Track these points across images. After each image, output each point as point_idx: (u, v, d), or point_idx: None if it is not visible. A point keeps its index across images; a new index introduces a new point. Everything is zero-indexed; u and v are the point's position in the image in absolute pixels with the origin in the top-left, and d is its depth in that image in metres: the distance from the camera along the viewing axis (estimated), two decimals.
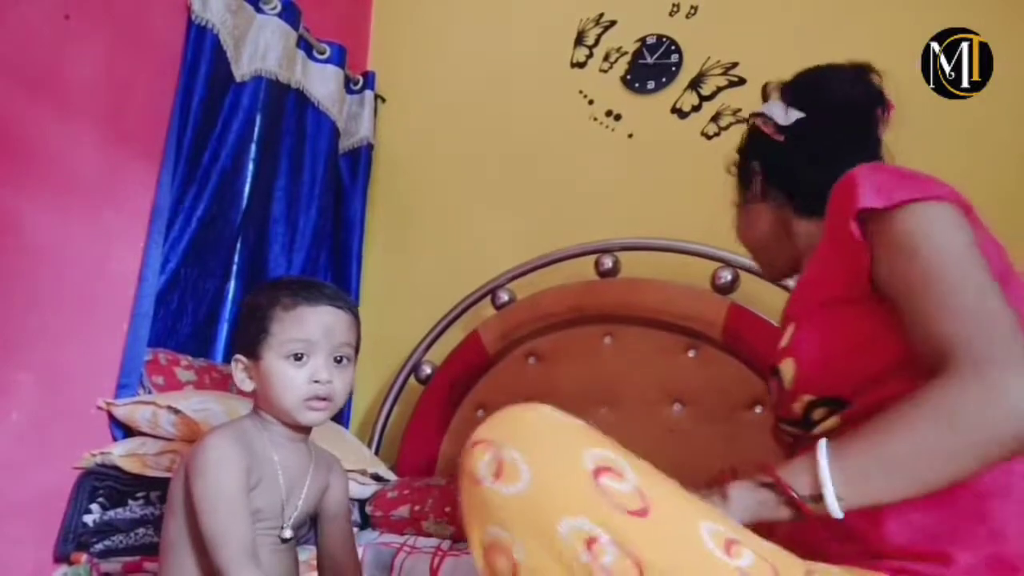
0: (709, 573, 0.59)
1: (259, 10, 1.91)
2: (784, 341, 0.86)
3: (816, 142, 0.97)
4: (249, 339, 1.05)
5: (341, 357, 1.06)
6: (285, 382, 1.03)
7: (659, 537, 0.60)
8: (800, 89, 1.00)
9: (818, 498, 0.68)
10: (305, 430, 1.11)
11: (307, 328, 1.03)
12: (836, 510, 0.67)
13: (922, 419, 0.67)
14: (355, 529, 1.62)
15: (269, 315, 1.04)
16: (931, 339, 0.70)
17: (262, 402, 1.08)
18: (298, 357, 1.03)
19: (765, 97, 1.05)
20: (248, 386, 1.06)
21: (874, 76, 0.99)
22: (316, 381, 1.03)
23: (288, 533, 1.07)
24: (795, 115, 0.98)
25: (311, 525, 1.18)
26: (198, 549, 1.00)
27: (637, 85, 2.14)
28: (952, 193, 0.77)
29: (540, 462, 0.62)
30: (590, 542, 0.59)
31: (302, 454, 1.11)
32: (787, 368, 0.82)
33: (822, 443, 0.70)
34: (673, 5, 2.13)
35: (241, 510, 0.97)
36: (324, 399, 1.04)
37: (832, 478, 0.67)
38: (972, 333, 0.67)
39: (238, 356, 1.07)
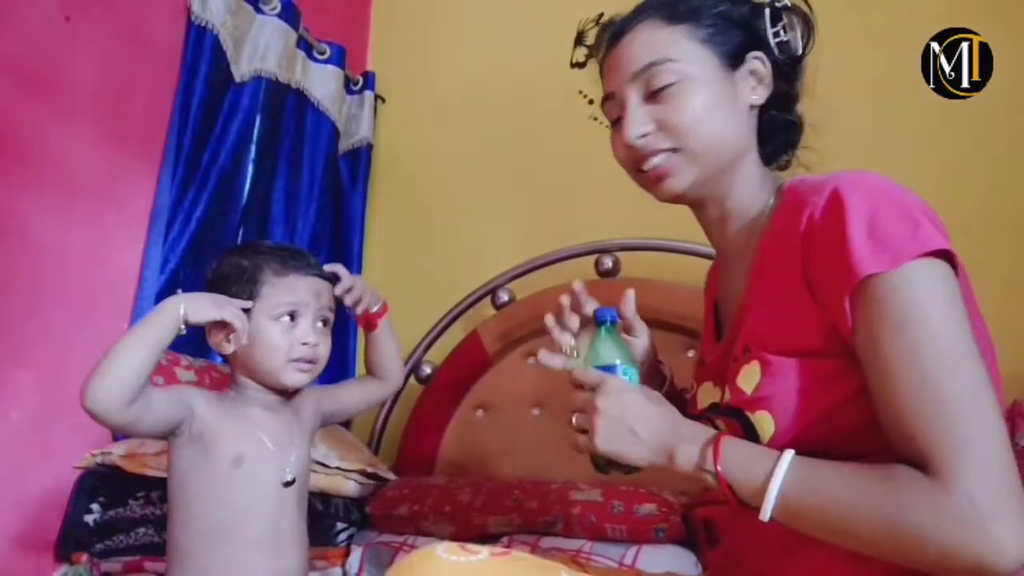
0: None
1: (259, 10, 1.91)
2: (745, 382, 0.77)
3: (795, 86, 0.90)
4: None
5: (325, 319, 1.10)
6: (273, 342, 1.04)
7: None
8: (803, 22, 0.87)
9: (756, 498, 0.69)
10: (287, 394, 1.11)
11: (298, 293, 1.06)
12: (767, 514, 0.68)
13: (881, 498, 0.64)
14: (354, 529, 1.63)
15: (259, 278, 1.05)
16: (913, 438, 0.64)
17: (241, 366, 1.08)
18: (292, 317, 1.05)
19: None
20: (227, 349, 1.05)
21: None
22: (304, 344, 1.05)
23: (289, 476, 1.07)
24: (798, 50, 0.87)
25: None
26: None
27: None
28: (946, 235, 0.68)
29: None
30: None
31: (287, 418, 1.11)
32: (764, 423, 0.75)
33: (787, 456, 0.69)
34: None
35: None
36: (311, 361, 1.07)
37: (780, 491, 0.68)
38: (963, 452, 0.61)
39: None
